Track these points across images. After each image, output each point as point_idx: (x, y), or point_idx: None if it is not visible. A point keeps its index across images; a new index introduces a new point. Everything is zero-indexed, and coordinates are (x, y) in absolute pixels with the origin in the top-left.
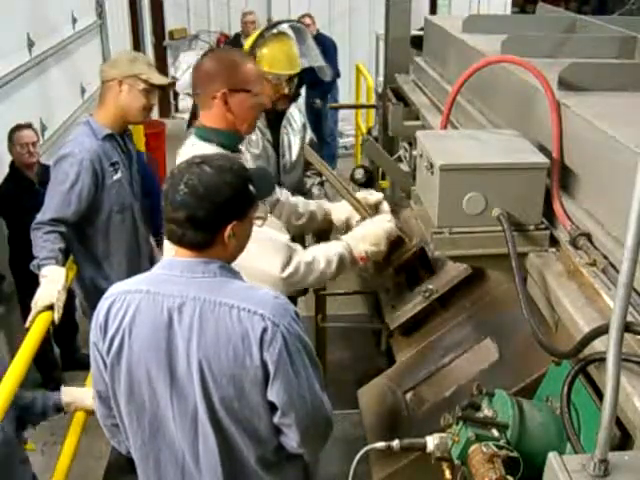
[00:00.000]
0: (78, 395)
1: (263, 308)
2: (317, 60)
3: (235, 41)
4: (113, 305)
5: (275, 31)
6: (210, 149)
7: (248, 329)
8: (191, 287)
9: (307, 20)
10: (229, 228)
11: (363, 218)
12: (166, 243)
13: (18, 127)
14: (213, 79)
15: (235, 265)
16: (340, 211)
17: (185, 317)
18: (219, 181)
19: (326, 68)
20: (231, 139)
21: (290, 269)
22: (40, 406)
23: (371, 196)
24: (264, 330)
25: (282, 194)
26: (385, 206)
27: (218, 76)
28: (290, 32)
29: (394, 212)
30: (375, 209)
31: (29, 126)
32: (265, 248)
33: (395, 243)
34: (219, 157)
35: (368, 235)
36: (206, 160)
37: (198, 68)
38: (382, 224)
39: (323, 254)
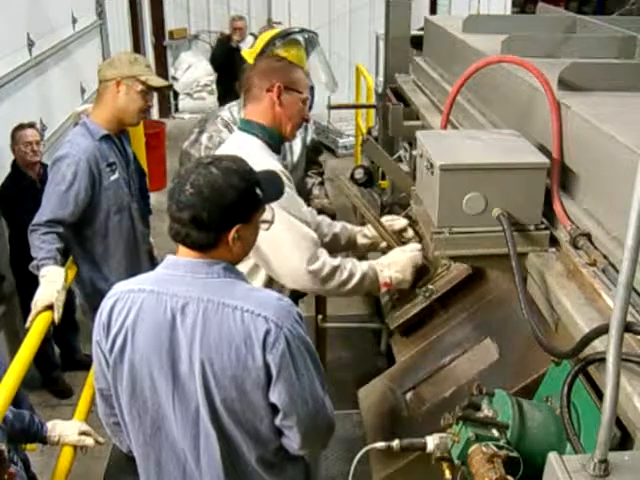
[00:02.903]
0: (63, 430)
1: (266, 310)
2: (324, 75)
3: (225, 42)
4: (116, 304)
5: (286, 39)
6: (255, 143)
7: (251, 331)
8: (195, 287)
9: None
10: (233, 231)
11: (389, 247)
12: None
13: (21, 126)
14: (270, 74)
15: (259, 250)
16: (365, 235)
17: (188, 317)
18: (225, 183)
19: (332, 82)
20: (274, 138)
21: (316, 265)
22: (32, 435)
23: (396, 222)
24: (267, 332)
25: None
26: (410, 233)
27: (275, 72)
28: (301, 41)
29: (420, 238)
30: (400, 236)
31: (32, 125)
32: (296, 239)
33: (420, 271)
34: (228, 159)
35: (395, 262)
36: (214, 161)
37: (254, 66)
38: (410, 253)
39: (349, 266)
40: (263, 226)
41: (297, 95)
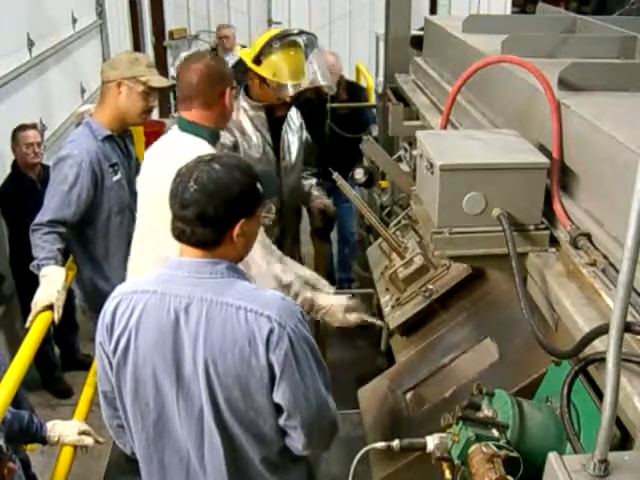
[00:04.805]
0: (62, 430)
1: (270, 309)
2: (323, 77)
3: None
4: (120, 305)
5: (285, 40)
6: (203, 145)
7: (255, 330)
8: (198, 288)
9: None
10: (238, 226)
11: (397, 251)
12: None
13: (23, 127)
14: (221, 79)
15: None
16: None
17: (192, 318)
18: (228, 178)
19: (331, 85)
20: (216, 135)
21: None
22: (31, 435)
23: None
24: (270, 331)
25: None
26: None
27: (225, 75)
28: (300, 43)
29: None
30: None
31: (34, 126)
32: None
33: (419, 271)
34: (227, 155)
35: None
36: (214, 158)
37: (202, 71)
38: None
39: (296, 288)
40: (264, 220)
41: (234, 91)
